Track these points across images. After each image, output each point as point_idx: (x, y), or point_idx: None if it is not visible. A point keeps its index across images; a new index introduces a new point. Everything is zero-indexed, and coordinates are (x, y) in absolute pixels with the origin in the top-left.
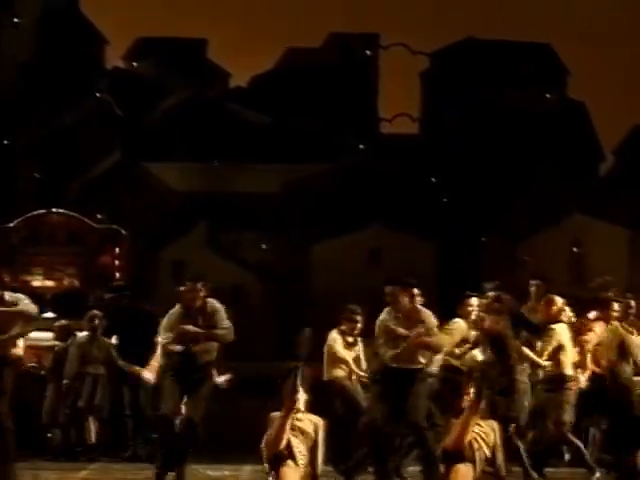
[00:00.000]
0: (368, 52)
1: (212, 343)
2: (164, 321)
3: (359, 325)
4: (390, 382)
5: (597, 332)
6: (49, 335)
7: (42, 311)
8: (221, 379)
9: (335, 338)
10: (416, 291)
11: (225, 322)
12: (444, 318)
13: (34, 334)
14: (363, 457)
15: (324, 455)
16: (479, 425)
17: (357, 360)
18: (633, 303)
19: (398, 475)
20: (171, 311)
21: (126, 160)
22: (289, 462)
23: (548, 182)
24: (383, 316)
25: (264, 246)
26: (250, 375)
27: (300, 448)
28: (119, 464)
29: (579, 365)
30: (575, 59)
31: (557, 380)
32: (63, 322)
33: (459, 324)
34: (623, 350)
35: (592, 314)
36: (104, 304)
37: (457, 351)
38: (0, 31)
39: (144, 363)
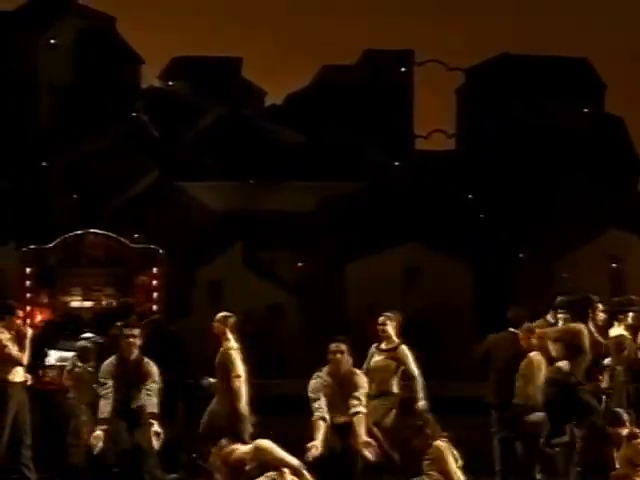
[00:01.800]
0: (403, 69)
1: None
2: None
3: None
4: None
5: None
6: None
7: (81, 331)
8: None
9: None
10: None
11: None
12: (480, 334)
13: (59, 354)
14: None
15: None
16: None
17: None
18: None
19: None
20: None
21: (162, 180)
22: None
23: (585, 198)
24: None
25: (300, 264)
26: (289, 392)
27: None
28: None
29: None
30: (613, 74)
31: None
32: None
33: None
34: None
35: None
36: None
37: None
38: (37, 52)
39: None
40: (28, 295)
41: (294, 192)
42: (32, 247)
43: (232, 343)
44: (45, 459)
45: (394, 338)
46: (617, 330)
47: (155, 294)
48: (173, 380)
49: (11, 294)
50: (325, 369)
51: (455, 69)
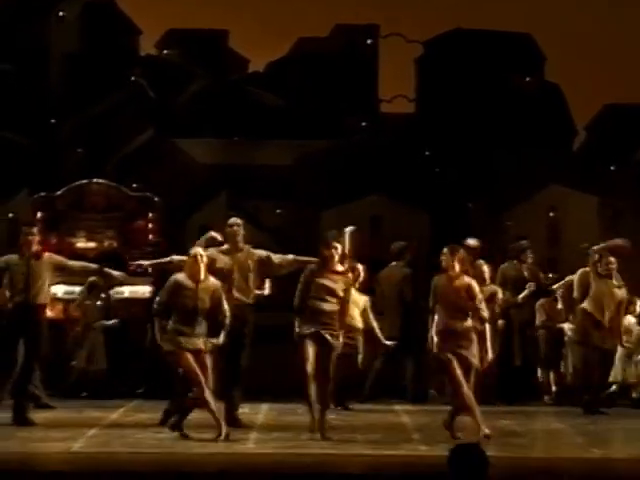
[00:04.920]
0: (369, 41)
1: None
2: None
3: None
4: None
5: None
6: (77, 289)
7: None
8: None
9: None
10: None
11: None
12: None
13: (65, 288)
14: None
15: None
16: None
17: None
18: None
19: None
20: None
21: (158, 137)
22: None
23: (528, 156)
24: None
25: (279, 212)
26: (267, 324)
27: None
28: (154, 401)
29: None
30: (552, 46)
31: None
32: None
33: None
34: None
35: None
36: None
37: None
38: (48, 25)
39: None
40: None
41: (274, 148)
42: (42, 194)
43: None
44: (51, 381)
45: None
46: None
47: (151, 236)
48: None
49: None
50: None
51: (414, 41)
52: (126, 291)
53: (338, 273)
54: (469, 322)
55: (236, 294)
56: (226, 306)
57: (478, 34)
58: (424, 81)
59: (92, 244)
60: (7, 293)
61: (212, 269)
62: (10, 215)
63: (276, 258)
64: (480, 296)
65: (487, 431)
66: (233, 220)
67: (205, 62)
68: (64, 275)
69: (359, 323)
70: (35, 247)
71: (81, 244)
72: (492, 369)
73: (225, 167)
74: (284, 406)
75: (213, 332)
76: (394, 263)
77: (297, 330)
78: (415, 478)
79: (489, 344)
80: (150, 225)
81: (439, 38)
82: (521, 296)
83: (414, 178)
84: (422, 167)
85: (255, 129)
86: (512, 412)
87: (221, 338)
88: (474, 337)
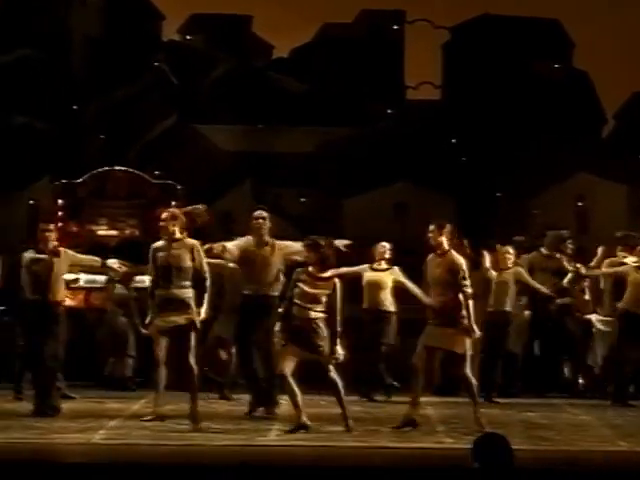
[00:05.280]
0: (395, 27)
1: None
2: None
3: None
4: None
5: None
6: (102, 278)
7: (106, 257)
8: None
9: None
10: None
11: None
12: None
13: (87, 277)
14: None
15: None
16: None
17: None
18: None
19: None
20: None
21: (180, 123)
22: None
23: (555, 144)
24: None
25: (302, 200)
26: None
27: None
28: (175, 392)
29: None
30: (580, 33)
31: None
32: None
33: None
34: None
35: None
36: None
37: None
38: (70, 9)
39: None
40: (59, 224)
41: (298, 135)
42: (64, 181)
43: None
44: (73, 369)
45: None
46: None
47: None
48: None
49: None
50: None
51: (441, 27)
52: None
53: (322, 279)
54: (451, 298)
55: (262, 287)
56: (206, 267)
57: (506, 20)
58: (451, 68)
59: (113, 232)
60: (26, 290)
61: (241, 260)
62: (31, 202)
63: (296, 246)
64: (463, 273)
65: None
66: (258, 213)
67: (228, 47)
68: (75, 268)
69: (391, 306)
70: (53, 243)
71: (102, 232)
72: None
73: (248, 154)
74: (306, 398)
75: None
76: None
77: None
78: (439, 471)
79: (473, 321)
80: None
81: (466, 24)
82: (566, 281)
83: (440, 165)
84: (448, 155)
85: (279, 116)
86: (538, 404)
87: (203, 311)
88: (460, 314)
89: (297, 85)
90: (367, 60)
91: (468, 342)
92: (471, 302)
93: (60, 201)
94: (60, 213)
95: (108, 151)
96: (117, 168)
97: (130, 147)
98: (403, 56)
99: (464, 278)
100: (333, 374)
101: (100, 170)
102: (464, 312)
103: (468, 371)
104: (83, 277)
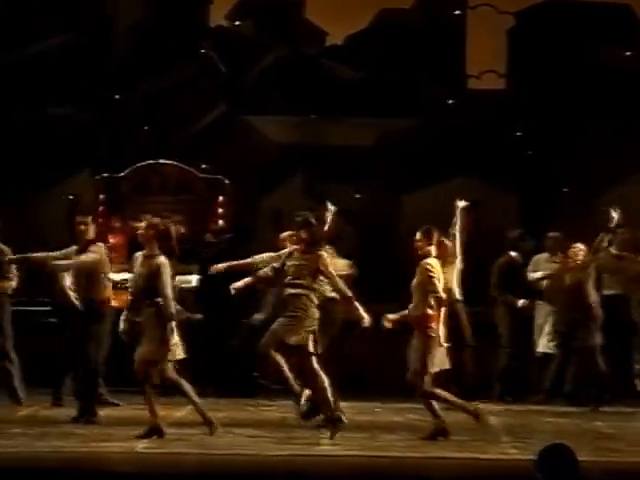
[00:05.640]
0: (457, 12)
1: None
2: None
3: None
4: None
5: None
6: None
7: None
8: None
9: None
10: None
11: None
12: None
13: (125, 276)
14: None
15: None
16: None
17: None
18: None
19: None
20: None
21: (229, 114)
22: None
23: (627, 135)
24: None
25: (358, 196)
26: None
27: None
28: (223, 399)
29: None
30: None
31: None
32: None
33: None
34: None
35: None
36: (209, 249)
37: None
38: None
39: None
40: (100, 220)
41: (353, 127)
42: (105, 175)
43: None
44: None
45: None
46: None
47: (221, 221)
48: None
49: None
50: None
51: (506, 13)
52: (193, 280)
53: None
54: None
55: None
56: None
57: (574, 4)
58: (515, 55)
59: None
60: (68, 289)
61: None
62: (70, 197)
63: None
64: (435, 276)
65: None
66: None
67: (279, 34)
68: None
69: (456, 294)
70: (90, 237)
71: None
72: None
73: (300, 147)
74: (362, 404)
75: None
76: (513, 253)
77: None
78: None
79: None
80: (220, 209)
81: (532, 9)
82: None
83: (504, 159)
84: (513, 148)
85: (333, 106)
86: (607, 413)
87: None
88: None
89: (352, 74)
90: (426, 48)
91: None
92: (443, 309)
93: (101, 196)
94: (101, 209)
95: (152, 143)
96: (162, 161)
97: (175, 139)
98: (465, 43)
99: (433, 284)
100: None
101: (144, 163)
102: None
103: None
104: (120, 275)
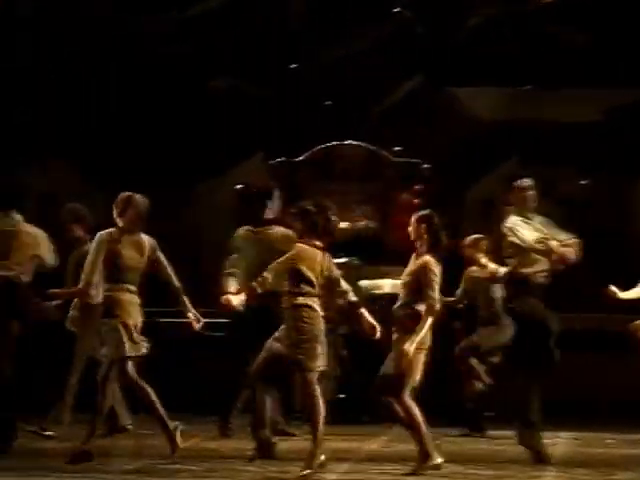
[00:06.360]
0: None
1: None
2: None
3: None
4: None
5: None
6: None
7: (335, 255)
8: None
9: None
10: None
11: None
12: None
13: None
14: None
15: None
16: None
17: None
18: None
19: None
20: None
21: (428, 85)
22: None
23: None
24: None
25: (583, 182)
26: (575, 327)
27: None
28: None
29: None
30: None
31: None
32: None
33: None
34: None
35: None
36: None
37: None
38: None
39: None
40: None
41: (577, 100)
42: (282, 159)
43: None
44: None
45: None
46: None
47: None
48: None
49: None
50: None
51: None
52: (386, 285)
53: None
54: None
55: None
56: None
57: None
58: None
59: (344, 224)
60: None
61: None
62: (239, 186)
63: None
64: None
65: None
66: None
67: None
68: None
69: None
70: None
71: None
72: None
73: (513, 124)
74: (592, 435)
75: None
76: None
77: None
78: None
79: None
80: (416, 200)
81: None
82: None
83: None
84: None
85: (553, 75)
86: None
87: None
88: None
89: (577, 36)
90: None
91: None
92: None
93: (277, 184)
94: (279, 198)
95: (335, 121)
96: (347, 143)
97: (363, 116)
98: None
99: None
100: None
101: (326, 145)
102: None
103: None
104: None
